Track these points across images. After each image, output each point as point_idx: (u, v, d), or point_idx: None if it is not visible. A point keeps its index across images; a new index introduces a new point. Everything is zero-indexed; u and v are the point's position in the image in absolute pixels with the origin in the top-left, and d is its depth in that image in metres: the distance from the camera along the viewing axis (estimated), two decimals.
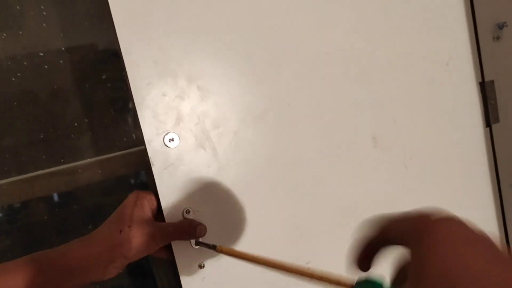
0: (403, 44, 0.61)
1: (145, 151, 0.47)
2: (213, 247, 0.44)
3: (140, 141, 0.46)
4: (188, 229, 0.46)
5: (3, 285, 0.37)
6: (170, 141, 0.47)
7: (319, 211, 0.55)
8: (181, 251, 0.48)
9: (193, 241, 0.48)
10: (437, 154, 0.65)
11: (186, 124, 0.47)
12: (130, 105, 0.72)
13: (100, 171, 0.71)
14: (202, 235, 0.47)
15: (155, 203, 0.48)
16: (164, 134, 0.46)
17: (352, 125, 0.57)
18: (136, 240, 0.42)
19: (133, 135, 0.73)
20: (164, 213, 0.47)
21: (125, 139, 0.72)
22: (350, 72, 0.57)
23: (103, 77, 0.70)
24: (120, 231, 0.42)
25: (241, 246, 0.51)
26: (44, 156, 0.68)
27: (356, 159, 0.57)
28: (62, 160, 0.70)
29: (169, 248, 0.48)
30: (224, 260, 0.50)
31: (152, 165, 0.46)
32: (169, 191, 0.47)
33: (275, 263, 0.37)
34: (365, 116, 0.58)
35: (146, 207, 0.46)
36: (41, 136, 0.68)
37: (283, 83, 0.53)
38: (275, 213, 0.53)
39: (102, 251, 0.42)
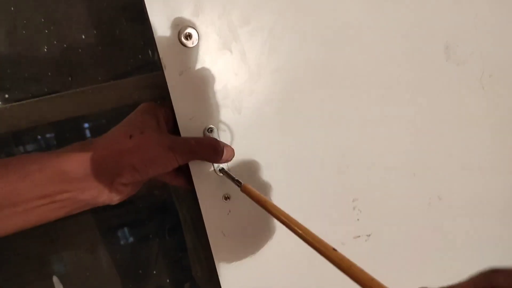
0: None
1: (155, 52, 0.36)
2: (238, 183, 0.35)
3: (158, 59, 0.36)
4: (215, 145, 0.36)
5: None
6: (186, 38, 0.36)
7: (371, 136, 0.45)
8: (203, 178, 0.39)
9: (217, 167, 0.39)
10: None
11: (208, 16, 0.36)
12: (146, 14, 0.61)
13: (113, 93, 0.62)
14: (230, 159, 0.38)
15: (170, 118, 0.38)
16: (180, 27, 0.36)
17: (421, 27, 0.44)
18: (151, 148, 0.33)
19: (149, 52, 0.62)
20: (180, 130, 0.37)
21: (140, 56, 0.62)
22: None
23: None
24: (130, 136, 0.33)
25: (272, 178, 0.41)
26: (49, 73, 0.60)
27: (422, 73, 0.45)
28: (69, 79, 0.61)
29: (188, 176, 0.39)
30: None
31: (164, 69, 0.36)
32: (186, 103, 0.37)
33: (301, 231, 0.27)
34: (438, 15, 0.45)
35: (160, 118, 0.36)
36: (45, 50, 0.59)
37: None
38: (316, 136, 0.42)
39: (105, 157, 0.32)
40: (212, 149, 0.36)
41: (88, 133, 0.63)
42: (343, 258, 0.24)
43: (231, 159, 0.38)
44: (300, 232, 0.27)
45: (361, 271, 0.22)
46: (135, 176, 0.33)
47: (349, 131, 0.43)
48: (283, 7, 0.38)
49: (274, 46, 0.39)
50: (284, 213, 0.29)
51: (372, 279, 0.21)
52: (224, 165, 0.39)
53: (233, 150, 0.38)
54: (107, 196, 0.34)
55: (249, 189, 0.33)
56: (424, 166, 0.48)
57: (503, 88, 0.49)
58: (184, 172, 0.39)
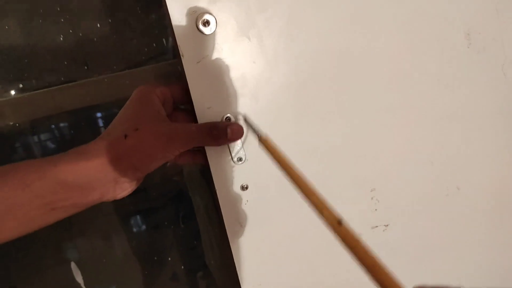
0: None
1: (173, 38, 0.36)
2: (258, 135, 0.34)
3: (173, 49, 0.35)
4: (213, 127, 0.35)
5: None
6: (204, 25, 0.35)
7: (390, 125, 0.44)
8: (220, 167, 0.39)
9: (235, 156, 0.39)
10: None
11: (225, 2, 0.36)
12: (162, 2, 0.61)
13: (128, 82, 0.62)
14: (237, 137, 0.37)
15: (168, 95, 0.37)
16: (197, 14, 0.35)
17: (441, 14, 0.43)
18: (148, 145, 0.32)
19: (164, 41, 0.62)
20: (198, 119, 0.37)
21: (155, 44, 0.62)
22: None
23: None
24: (125, 136, 0.32)
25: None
26: (65, 62, 0.60)
27: (443, 59, 0.44)
28: (85, 68, 0.61)
29: (200, 153, 0.39)
30: (272, 182, 0.40)
31: (181, 56, 0.36)
32: (204, 91, 0.37)
33: (308, 190, 0.27)
34: (459, 2, 0.43)
35: (156, 103, 0.35)
36: (61, 39, 0.59)
37: None
38: (333, 125, 0.42)
39: (105, 164, 0.32)
40: (216, 132, 0.35)
41: (101, 122, 0.64)
42: (347, 233, 0.22)
43: (240, 137, 0.37)
44: (306, 195, 0.26)
45: (364, 252, 0.21)
46: (137, 174, 0.33)
47: (366, 120, 0.43)
48: None
49: (292, 34, 0.38)
50: (296, 173, 0.29)
51: (374, 264, 0.20)
52: (242, 117, 0.38)
53: (240, 127, 0.37)
54: (112, 195, 0.33)
55: (266, 140, 0.33)
56: (443, 155, 0.47)
57: None
58: (198, 150, 0.39)
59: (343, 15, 0.39)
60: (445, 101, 0.45)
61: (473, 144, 0.48)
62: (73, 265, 0.68)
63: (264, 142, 0.33)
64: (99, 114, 0.64)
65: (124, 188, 0.33)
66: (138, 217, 0.71)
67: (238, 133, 0.37)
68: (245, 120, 0.38)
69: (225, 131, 0.35)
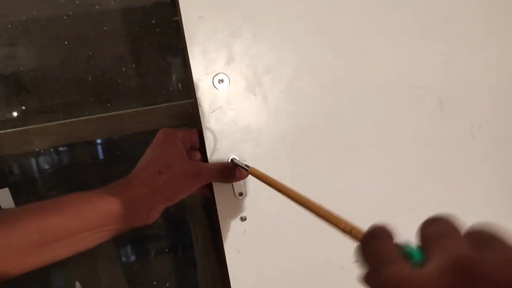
0: None
1: (192, 93, 0.44)
2: (246, 167, 0.41)
3: (186, 93, 0.43)
4: (231, 170, 0.43)
5: (40, 224, 0.34)
6: (219, 82, 0.43)
7: (373, 174, 0.51)
8: (224, 201, 0.46)
9: (237, 191, 0.46)
10: (510, 125, 0.57)
11: (237, 66, 0.44)
12: (179, 54, 0.69)
13: (144, 119, 0.70)
14: (243, 178, 0.44)
15: (188, 138, 0.45)
16: (214, 74, 0.43)
17: (418, 82, 0.51)
18: (178, 180, 0.40)
19: (179, 86, 0.70)
20: (208, 158, 0.44)
21: (171, 88, 0.70)
22: (418, 26, 0.51)
23: (153, 22, 0.68)
24: (160, 172, 0.39)
25: (282, 204, 0.48)
26: (91, 99, 0.68)
27: (418, 122, 0.52)
28: (108, 105, 0.69)
29: (209, 186, 0.46)
30: (267, 214, 0.47)
31: (199, 106, 0.43)
32: (215, 136, 0.44)
33: (304, 201, 0.33)
34: (432, 73, 0.52)
35: (179, 144, 0.42)
36: (89, 79, 0.67)
37: (345, 31, 0.48)
38: (324, 171, 0.49)
39: (143, 196, 0.38)
40: (227, 173, 0.43)
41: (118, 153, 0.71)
42: (353, 228, 0.26)
43: (245, 178, 0.45)
44: (308, 206, 0.32)
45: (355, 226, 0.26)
46: (168, 204, 0.40)
47: (351, 167, 0.50)
48: (301, 61, 0.46)
49: (291, 93, 0.46)
50: (288, 188, 0.34)
51: None
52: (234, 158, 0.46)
53: (245, 172, 0.44)
54: (144, 222, 0.40)
55: (253, 170, 0.40)
56: (421, 204, 0.54)
57: (491, 138, 0.56)
58: (207, 185, 0.46)
59: (331, 83, 0.47)
60: (420, 157, 0.53)
61: (445, 193, 0.55)
62: (77, 285, 0.72)
63: (252, 171, 0.40)
64: (116, 145, 0.71)
65: (154, 216, 0.40)
66: (140, 244, 0.77)
67: (243, 175, 0.44)
68: (232, 160, 0.45)
69: (234, 172, 0.43)
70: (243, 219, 0.46)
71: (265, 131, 0.46)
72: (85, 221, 0.36)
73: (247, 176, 0.44)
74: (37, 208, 0.35)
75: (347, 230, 0.26)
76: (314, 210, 0.30)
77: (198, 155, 0.46)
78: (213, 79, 0.43)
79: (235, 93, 0.44)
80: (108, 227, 0.38)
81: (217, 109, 0.44)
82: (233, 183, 0.45)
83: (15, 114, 0.67)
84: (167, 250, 0.76)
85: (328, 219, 0.28)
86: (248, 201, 0.46)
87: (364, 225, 0.51)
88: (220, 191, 0.45)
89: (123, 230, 0.39)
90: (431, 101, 0.52)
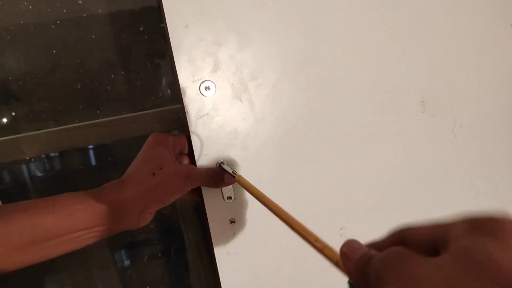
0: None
1: (180, 99, 0.45)
2: (233, 173, 0.42)
3: (175, 98, 0.44)
4: (219, 175, 0.44)
5: (32, 221, 0.35)
6: (206, 90, 0.44)
7: (358, 175, 0.52)
8: (213, 205, 0.47)
9: (225, 195, 0.47)
10: (491, 125, 0.59)
11: (224, 73, 0.45)
12: (167, 60, 0.70)
13: (134, 125, 0.71)
14: (231, 183, 0.45)
15: (177, 143, 0.45)
16: (200, 81, 0.44)
17: (400, 84, 0.53)
18: (171, 181, 0.40)
19: (168, 91, 0.71)
20: (197, 164, 0.45)
21: (160, 93, 0.71)
22: (400, 28, 0.52)
23: (141, 29, 0.69)
24: (153, 174, 0.40)
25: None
26: (80, 107, 0.69)
27: (401, 122, 0.53)
28: (98, 112, 0.70)
29: (199, 191, 0.47)
30: (256, 217, 0.48)
31: (186, 113, 0.44)
32: (203, 141, 0.45)
33: (283, 215, 0.33)
34: (414, 75, 0.53)
35: (170, 148, 0.43)
36: (78, 86, 0.68)
37: (328, 35, 0.49)
38: (310, 172, 0.50)
39: (136, 196, 0.39)
40: (217, 178, 0.44)
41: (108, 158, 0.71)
42: (324, 247, 0.25)
43: (232, 183, 0.46)
44: (284, 219, 0.33)
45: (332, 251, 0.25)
46: (160, 206, 0.41)
47: (337, 168, 0.51)
48: (285, 67, 0.47)
49: (277, 98, 0.47)
50: (272, 202, 0.35)
51: None
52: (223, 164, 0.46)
53: (232, 178, 0.44)
54: (135, 224, 0.40)
55: (240, 178, 0.40)
56: (404, 202, 0.55)
57: (472, 138, 0.57)
58: (196, 189, 0.46)
59: (314, 87, 0.49)
60: (403, 156, 0.54)
61: (428, 192, 0.57)
62: None
63: (238, 179, 0.41)
64: (106, 151, 0.71)
65: (146, 218, 0.41)
66: (133, 248, 0.77)
67: (231, 180, 0.45)
68: (220, 165, 0.46)
69: (223, 178, 0.44)
70: (232, 222, 0.47)
71: (252, 135, 0.47)
72: (78, 220, 0.37)
73: (234, 181, 0.45)
74: (30, 205, 0.36)
75: (319, 247, 0.26)
76: (291, 225, 0.31)
77: (186, 160, 0.47)
78: (199, 86, 0.44)
79: (222, 100, 0.45)
80: (101, 227, 0.38)
81: (204, 115, 0.45)
82: (222, 188, 0.46)
83: (4, 122, 0.67)
84: (160, 254, 0.77)
85: (303, 236, 0.28)
86: (236, 205, 0.47)
87: (351, 227, 0.52)
88: (209, 195, 0.46)
89: (116, 231, 0.40)
90: (414, 102, 0.54)
